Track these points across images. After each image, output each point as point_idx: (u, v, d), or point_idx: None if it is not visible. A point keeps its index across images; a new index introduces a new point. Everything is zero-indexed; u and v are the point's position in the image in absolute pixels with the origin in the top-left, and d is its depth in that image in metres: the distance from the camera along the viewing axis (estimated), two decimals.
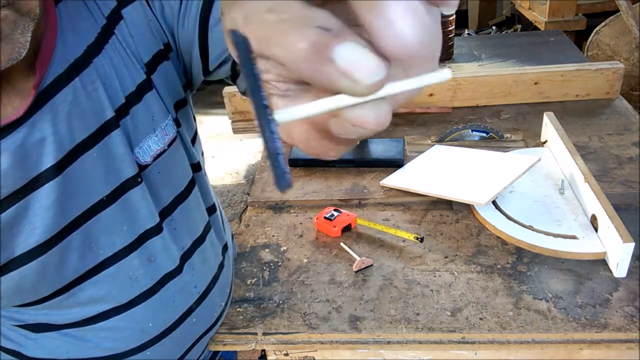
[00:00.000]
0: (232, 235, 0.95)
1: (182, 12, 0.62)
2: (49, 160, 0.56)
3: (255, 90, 0.21)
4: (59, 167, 0.57)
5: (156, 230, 0.67)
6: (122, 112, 0.60)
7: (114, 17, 0.58)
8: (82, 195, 0.60)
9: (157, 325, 0.70)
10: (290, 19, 0.19)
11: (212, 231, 0.78)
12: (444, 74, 0.21)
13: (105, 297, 0.66)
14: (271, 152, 0.21)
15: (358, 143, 0.24)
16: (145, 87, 0.61)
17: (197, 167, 0.74)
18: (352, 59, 0.19)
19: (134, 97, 0.61)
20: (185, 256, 0.72)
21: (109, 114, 0.59)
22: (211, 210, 0.80)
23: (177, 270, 0.70)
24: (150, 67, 0.62)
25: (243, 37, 0.21)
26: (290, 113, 0.22)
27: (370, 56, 0.19)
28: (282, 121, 0.22)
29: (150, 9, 0.60)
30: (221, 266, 0.80)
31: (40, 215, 0.57)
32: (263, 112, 0.21)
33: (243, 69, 0.21)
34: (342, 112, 0.21)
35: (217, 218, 0.82)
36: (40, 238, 0.58)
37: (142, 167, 0.63)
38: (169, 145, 0.65)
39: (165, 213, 0.68)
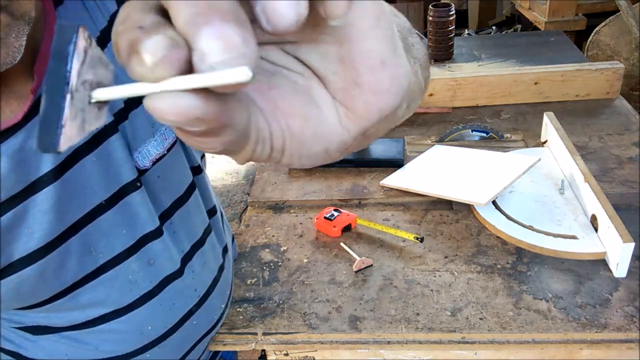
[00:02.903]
0: (233, 237, 0.95)
1: None
2: (47, 165, 0.55)
3: (59, 76, 0.22)
4: (58, 172, 0.56)
5: (156, 233, 0.66)
6: (121, 116, 0.60)
7: (114, 20, 0.58)
8: (80, 200, 0.59)
9: (156, 328, 0.70)
10: (127, 25, 0.21)
11: (212, 234, 0.78)
12: (242, 72, 0.19)
13: (104, 300, 0.65)
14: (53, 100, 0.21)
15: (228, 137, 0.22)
16: None
17: (197, 170, 0.73)
18: (150, 47, 0.20)
19: (133, 101, 0.60)
20: (186, 259, 0.72)
21: (108, 118, 0.58)
22: (211, 212, 0.79)
23: (178, 273, 0.70)
24: None
25: (73, 26, 0.23)
26: (108, 92, 0.23)
27: (163, 43, 0.20)
28: (97, 98, 0.23)
29: None
30: (221, 269, 0.80)
31: (38, 219, 0.57)
32: (60, 86, 0.22)
33: (54, 48, 0.22)
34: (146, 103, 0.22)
35: (218, 220, 0.82)
36: (39, 242, 0.58)
37: (141, 172, 0.63)
38: (169, 149, 0.65)
39: (165, 216, 0.68)
